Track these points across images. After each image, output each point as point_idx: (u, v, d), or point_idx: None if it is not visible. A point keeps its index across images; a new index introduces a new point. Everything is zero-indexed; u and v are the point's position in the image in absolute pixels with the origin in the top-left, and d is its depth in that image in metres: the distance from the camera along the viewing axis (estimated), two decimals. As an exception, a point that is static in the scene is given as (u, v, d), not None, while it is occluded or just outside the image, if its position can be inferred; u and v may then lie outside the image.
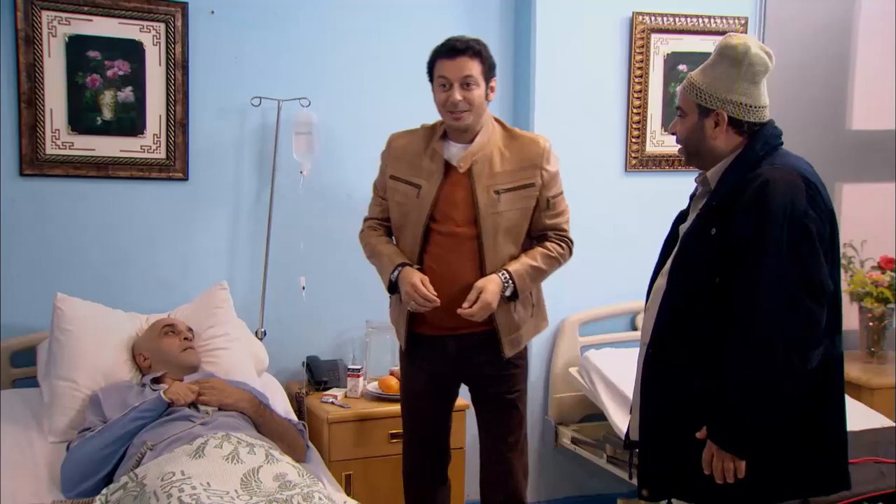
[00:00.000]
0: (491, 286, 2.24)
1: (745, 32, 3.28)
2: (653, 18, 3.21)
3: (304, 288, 2.94)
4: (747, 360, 1.73)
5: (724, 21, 3.27)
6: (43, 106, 2.67)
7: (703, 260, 1.82)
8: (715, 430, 1.80)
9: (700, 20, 3.26)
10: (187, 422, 2.19)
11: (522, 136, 2.37)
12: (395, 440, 2.74)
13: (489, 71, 2.30)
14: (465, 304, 2.23)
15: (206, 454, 1.97)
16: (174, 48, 2.79)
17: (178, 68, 2.80)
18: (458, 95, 2.23)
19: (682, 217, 2.03)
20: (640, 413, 1.96)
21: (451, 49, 2.26)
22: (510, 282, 2.27)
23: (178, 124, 2.83)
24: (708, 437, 1.81)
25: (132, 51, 2.75)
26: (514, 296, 2.30)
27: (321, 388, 2.91)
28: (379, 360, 3.02)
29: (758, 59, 1.85)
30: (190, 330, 2.57)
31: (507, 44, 3.21)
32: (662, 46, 3.24)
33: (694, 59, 3.27)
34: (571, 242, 2.43)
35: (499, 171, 2.28)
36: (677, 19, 3.24)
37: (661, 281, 1.95)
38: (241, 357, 2.67)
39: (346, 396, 2.85)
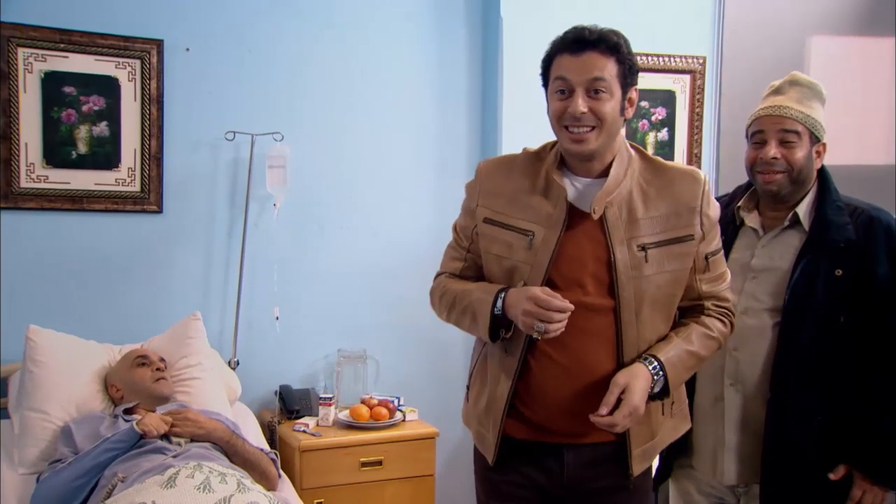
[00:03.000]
0: (638, 383, 1.58)
1: (704, 71, 3.42)
2: (615, 57, 3.33)
3: (277, 318, 2.98)
4: None
5: (685, 60, 3.40)
6: (18, 140, 2.71)
7: (827, 300, 1.82)
8: (872, 466, 1.84)
9: (661, 59, 3.38)
10: (159, 454, 2.18)
11: (672, 168, 1.71)
12: (365, 468, 2.78)
13: (629, 75, 1.63)
14: (603, 410, 1.56)
15: (178, 484, 1.96)
16: (149, 84, 2.84)
17: (153, 103, 2.85)
18: (581, 105, 1.58)
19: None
20: (763, 459, 1.89)
21: (578, 40, 1.60)
22: (661, 374, 1.62)
23: (152, 158, 2.87)
24: (861, 474, 1.85)
25: (108, 86, 2.80)
26: (664, 393, 1.66)
27: (293, 417, 2.93)
28: (350, 388, 3.06)
29: None
30: (162, 360, 2.57)
31: (474, 80, 3.30)
32: (625, 83, 3.36)
33: (655, 95, 3.40)
34: (734, 317, 1.79)
35: (642, 217, 1.64)
36: (639, 58, 3.32)
37: (753, 321, 1.91)
38: (213, 386, 2.69)
39: (317, 425, 2.88)
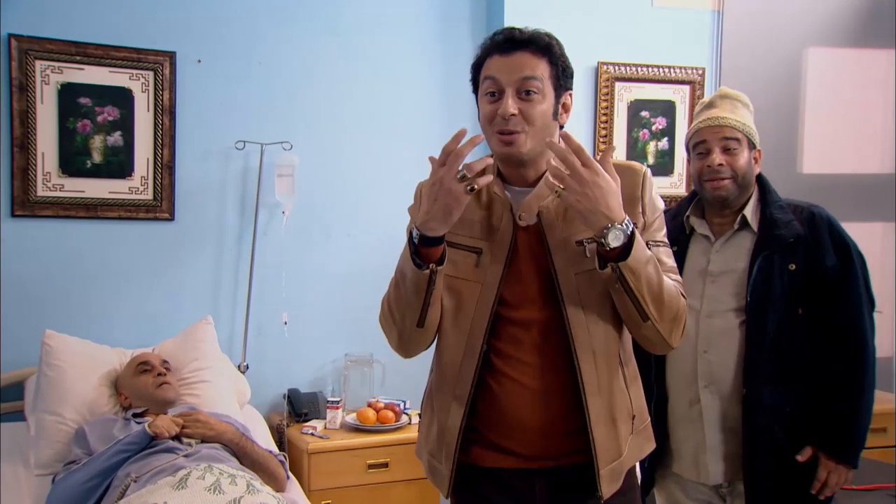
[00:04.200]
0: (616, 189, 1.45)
1: (703, 82, 3.48)
2: (617, 68, 3.40)
3: (286, 323, 3.03)
4: (864, 378, 1.92)
5: (683, 71, 3.46)
6: (35, 150, 2.77)
7: (786, 294, 1.92)
8: (835, 447, 1.94)
9: (661, 70, 3.44)
10: (171, 454, 2.21)
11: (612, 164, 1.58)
12: (372, 470, 2.83)
13: (562, 78, 1.54)
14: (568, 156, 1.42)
15: (189, 485, 2.00)
16: (162, 95, 2.91)
17: (165, 114, 2.92)
18: (512, 107, 1.49)
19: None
20: (743, 454, 1.95)
21: (509, 40, 1.52)
22: (630, 228, 1.44)
23: (164, 167, 2.94)
24: (827, 456, 1.94)
25: (122, 97, 2.87)
26: (624, 254, 1.44)
27: (301, 420, 2.98)
28: (357, 392, 3.11)
29: None
30: (165, 363, 2.57)
31: (479, 90, 3.37)
32: (626, 94, 3.42)
33: (656, 105, 3.46)
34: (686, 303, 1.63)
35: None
36: (639, 69, 3.42)
37: (720, 322, 1.98)
38: (223, 390, 2.73)
39: (325, 428, 2.92)
